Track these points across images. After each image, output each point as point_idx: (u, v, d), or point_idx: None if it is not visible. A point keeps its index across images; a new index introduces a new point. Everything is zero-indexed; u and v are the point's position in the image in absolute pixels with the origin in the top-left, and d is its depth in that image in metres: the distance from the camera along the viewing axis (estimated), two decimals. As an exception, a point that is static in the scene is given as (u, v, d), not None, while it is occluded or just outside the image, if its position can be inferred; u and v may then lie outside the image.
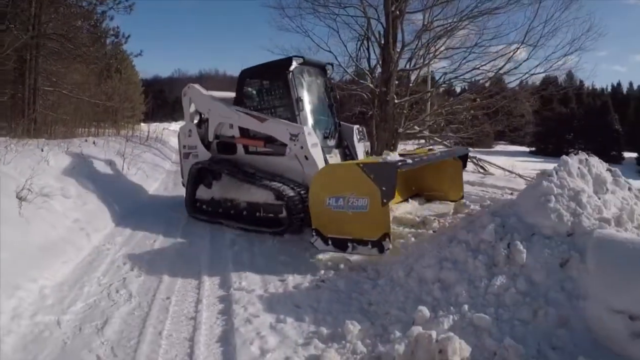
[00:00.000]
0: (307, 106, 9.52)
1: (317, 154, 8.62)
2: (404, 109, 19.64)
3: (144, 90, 34.13)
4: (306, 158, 8.59)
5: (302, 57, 9.71)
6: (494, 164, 21.73)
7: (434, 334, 3.90)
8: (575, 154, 6.42)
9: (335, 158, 9.71)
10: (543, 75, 20.03)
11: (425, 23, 18.95)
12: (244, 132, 9.73)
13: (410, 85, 20.85)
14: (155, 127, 32.93)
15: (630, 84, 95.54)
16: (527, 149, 69.49)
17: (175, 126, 39.66)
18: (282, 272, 6.45)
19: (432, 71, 22.50)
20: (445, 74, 19.71)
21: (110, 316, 5.13)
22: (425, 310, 4.63)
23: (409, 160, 7.34)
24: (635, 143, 67.22)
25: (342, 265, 6.59)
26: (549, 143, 68.60)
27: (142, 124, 33.87)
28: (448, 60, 20.28)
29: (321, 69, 10.55)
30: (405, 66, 20.14)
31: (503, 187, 14.21)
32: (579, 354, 4.01)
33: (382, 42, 19.15)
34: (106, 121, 26.90)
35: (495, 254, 5.22)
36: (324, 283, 5.98)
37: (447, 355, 3.69)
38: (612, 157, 61.01)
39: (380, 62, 19.76)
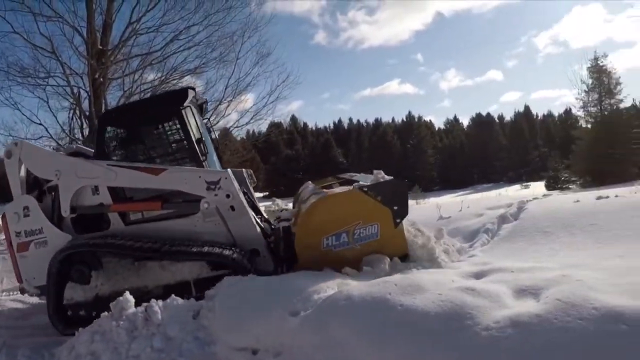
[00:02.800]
0: (210, 148, 7.98)
1: (244, 201, 7.05)
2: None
3: None
4: (232, 209, 6.89)
5: (193, 88, 8.19)
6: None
7: None
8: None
9: None
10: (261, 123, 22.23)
11: (126, 89, 19.54)
12: (117, 195, 7.31)
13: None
14: None
15: (350, 119, 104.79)
16: (260, 194, 73.13)
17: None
18: None
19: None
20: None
21: None
22: None
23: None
24: (360, 171, 74.85)
25: (19, 353, 6.14)
26: (280, 185, 72.78)
27: None
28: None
29: (200, 107, 8.58)
30: (113, 134, 20.10)
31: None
32: None
33: (88, 111, 18.99)
34: None
35: (136, 319, 5.75)
36: None
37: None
38: (343, 187, 67.85)
39: (88, 132, 19.35)
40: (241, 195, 7.02)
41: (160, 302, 5.84)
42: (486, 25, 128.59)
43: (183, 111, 7.34)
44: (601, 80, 44.30)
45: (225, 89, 20.19)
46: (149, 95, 19.41)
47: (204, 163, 7.28)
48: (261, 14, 20.53)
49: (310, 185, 8.79)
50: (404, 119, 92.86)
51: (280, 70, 21.64)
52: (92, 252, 7.03)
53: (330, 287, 5.19)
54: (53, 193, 7.49)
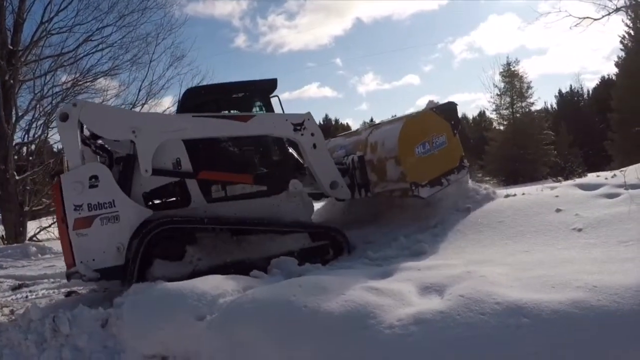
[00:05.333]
0: None
1: (323, 140, 7.98)
2: (28, 185, 18.53)
3: None
4: (314, 146, 7.60)
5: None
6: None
7: None
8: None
9: None
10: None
11: (37, 91, 18.86)
12: (204, 163, 7.12)
13: (30, 158, 19.82)
14: None
15: None
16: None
17: None
18: None
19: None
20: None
21: None
22: None
23: None
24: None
25: None
26: None
27: None
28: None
29: None
30: (23, 139, 19.38)
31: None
32: None
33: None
34: None
35: (44, 330, 5.57)
36: None
37: None
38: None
39: None
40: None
41: (68, 313, 5.64)
42: (404, 31, 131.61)
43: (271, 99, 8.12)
44: (513, 84, 45.71)
45: (139, 91, 20.07)
46: (60, 97, 18.85)
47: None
48: (176, 16, 20.29)
49: (339, 138, 10.34)
50: (321, 122, 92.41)
51: (194, 72, 21.66)
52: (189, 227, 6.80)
53: (237, 290, 5.17)
54: (122, 164, 6.90)
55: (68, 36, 18.93)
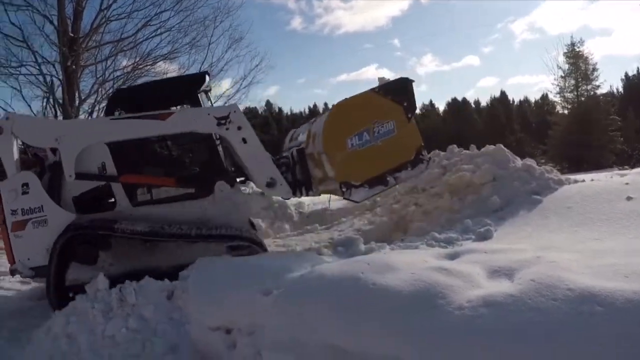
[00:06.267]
0: None
1: (254, 133, 7.13)
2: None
3: None
4: (244, 141, 6.98)
5: (208, 73, 8.46)
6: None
7: None
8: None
9: None
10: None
11: (99, 76, 19.63)
12: (128, 166, 7.12)
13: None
14: None
15: (326, 104, 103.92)
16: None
17: None
18: None
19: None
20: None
21: None
22: None
23: None
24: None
25: None
26: None
27: None
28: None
29: (206, 92, 8.41)
30: (88, 120, 20.01)
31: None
32: None
33: (61, 99, 19.04)
34: None
35: (111, 300, 5.84)
36: None
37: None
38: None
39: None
40: (252, 129, 7.09)
41: (134, 283, 5.87)
42: (463, 10, 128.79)
43: (199, 95, 7.57)
44: (578, 65, 44.49)
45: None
46: (121, 81, 19.48)
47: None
48: (232, -1, 20.48)
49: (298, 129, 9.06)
50: None
51: (253, 54, 21.85)
52: (102, 232, 6.79)
53: (303, 266, 5.22)
54: (51, 171, 7.18)
55: (127, 22, 19.47)
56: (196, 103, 7.53)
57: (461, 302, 3.71)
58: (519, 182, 7.94)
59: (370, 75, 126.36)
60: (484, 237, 6.44)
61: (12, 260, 6.97)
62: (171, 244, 6.92)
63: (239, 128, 6.92)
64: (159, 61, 20.54)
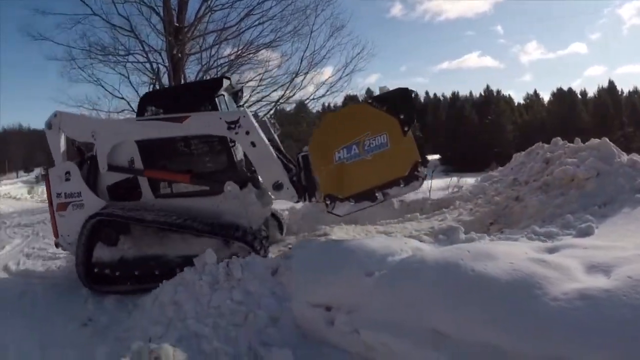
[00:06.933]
0: None
1: (264, 138, 7.37)
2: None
3: None
4: (253, 145, 7.24)
5: (228, 78, 8.86)
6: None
7: (151, 345, 4.96)
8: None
9: None
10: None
11: (203, 64, 20.44)
12: (151, 161, 7.87)
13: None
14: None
15: (427, 92, 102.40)
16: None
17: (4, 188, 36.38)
18: (53, 318, 6.69)
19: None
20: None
21: None
22: (157, 329, 5.66)
23: None
24: (436, 146, 72.79)
25: (106, 302, 7.05)
26: None
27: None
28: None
29: (235, 94, 9.16)
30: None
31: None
32: (288, 346, 4.99)
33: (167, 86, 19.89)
34: None
35: (218, 273, 6.28)
36: (90, 321, 6.57)
37: (161, 360, 4.76)
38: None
39: None
40: (261, 133, 7.29)
41: (241, 259, 6.32)
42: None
43: (216, 99, 7.91)
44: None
45: (301, 61, 20.77)
46: (225, 69, 20.11)
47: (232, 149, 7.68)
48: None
49: None
50: (482, 93, 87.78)
51: (354, 42, 22.03)
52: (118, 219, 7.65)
53: (405, 250, 5.39)
54: (89, 162, 8.24)
55: (230, 11, 20.13)
56: (214, 106, 7.91)
57: (557, 293, 3.80)
58: (623, 179, 7.63)
59: (472, 63, 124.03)
60: (585, 233, 6.29)
61: (56, 235, 8.20)
62: (176, 235, 7.56)
63: (247, 132, 7.21)
64: (261, 49, 21.09)
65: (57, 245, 8.42)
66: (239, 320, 5.66)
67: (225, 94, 8.39)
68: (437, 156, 72.93)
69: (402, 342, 4.34)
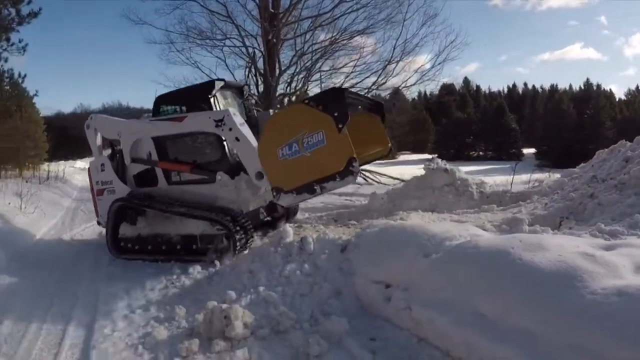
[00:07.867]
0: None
1: (247, 132, 8.29)
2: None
3: (46, 128, 33.91)
4: (237, 140, 8.21)
5: (222, 79, 9.83)
6: (385, 174, 22.71)
7: (223, 305, 5.43)
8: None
9: None
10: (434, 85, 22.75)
11: (298, 49, 21.03)
12: (164, 154, 9.28)
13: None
14: (58, 166, 32.40)
15: (525, 84, 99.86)
16: (429, 156, 72.77)
17: (81, 164, 38.36)
18: (144, 280, 7.51)
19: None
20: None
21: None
22: (232, 294, 6.14)
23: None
24: (533, 140, 71.32)
25: (191, 269, 7.64)
26: (450, 148, 71.62)
27: (46, 163, 33.50)
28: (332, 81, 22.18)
29: (239, 90, 10.58)
30: (286, 90, 21.77)
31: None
32: (346, 316, 5.41)
33: (262, 69, 20.76)
34: (8, 162, 26.45)
35: (291, 247, 6.88)
36: (173, 284, 7.27)
37: (230, 319, 5.15)
38: (512, 155, 64.97)
39: (263, 89, 21.35)
40: (244, 129, 8.26)
41: (314, 236, 6.94)
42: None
43: (211, 99, 9.19)
44: None
45: (394, 49, 21.02)
46: (319, 54, 20.60)
47: None
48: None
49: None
50: (582, 87, 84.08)
51: (447, 31, 22.05)
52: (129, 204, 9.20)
53: (463, 236, 5.68)
54: (118, 155, 9.92)
55: (324, -1, 20.01)
56: (209, 105, 9.11)
57: (596, 288, 3.91)
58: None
59: (575, 55, 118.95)
60: (652, 234, 6.26)
61: (97, 214, 10.19)
62: (175, 217, 8.74)
63: (230, 129, 8.23)
64: (355, 36, 21.48)
65: (98, 223, 10.34)
66: (305, 290, 6.18)
67: (228, 92, 10.04)
68: (532, 150, 70.80)
69: (445, 320, 4.63)
